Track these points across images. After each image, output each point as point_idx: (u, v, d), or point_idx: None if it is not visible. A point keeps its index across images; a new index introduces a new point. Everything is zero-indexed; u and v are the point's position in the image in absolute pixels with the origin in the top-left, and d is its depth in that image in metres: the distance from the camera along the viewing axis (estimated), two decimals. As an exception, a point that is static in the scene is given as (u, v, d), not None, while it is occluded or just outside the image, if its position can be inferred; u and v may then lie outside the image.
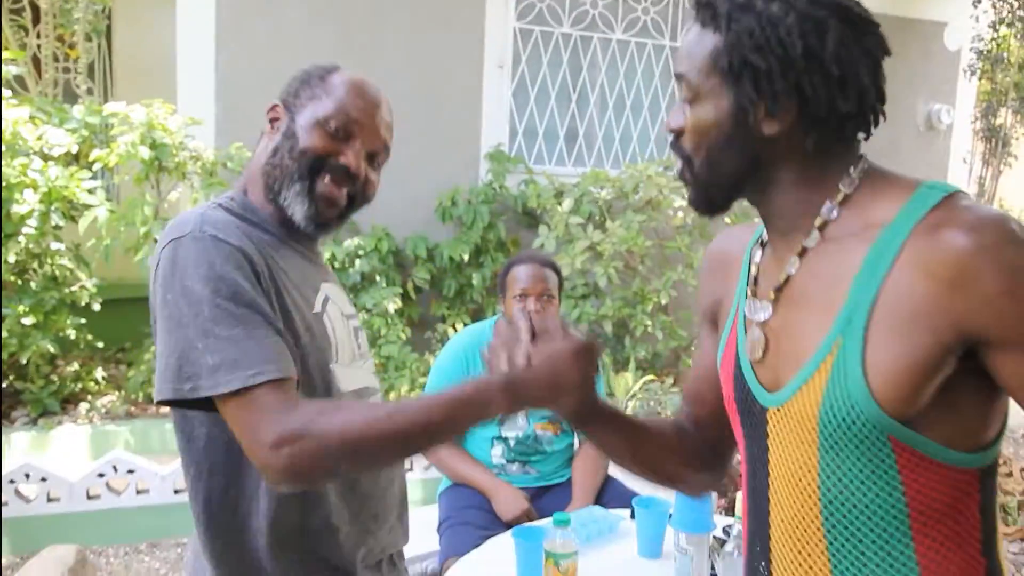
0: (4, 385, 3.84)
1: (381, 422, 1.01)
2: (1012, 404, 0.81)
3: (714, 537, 1.69)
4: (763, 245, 0.94)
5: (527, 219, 4.81)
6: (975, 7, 5.96)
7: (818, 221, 0.85)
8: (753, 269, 0.94)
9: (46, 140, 3.63)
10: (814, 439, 0.82)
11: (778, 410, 0.86)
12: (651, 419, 1.13)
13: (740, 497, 1.00)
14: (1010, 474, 4.00)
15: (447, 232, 4.68)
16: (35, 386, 3.83)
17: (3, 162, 3.45)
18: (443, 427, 1.02)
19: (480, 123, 4.93)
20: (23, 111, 3.61)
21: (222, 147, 4.02)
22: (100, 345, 4.15)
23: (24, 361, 3.73)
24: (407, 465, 3.13)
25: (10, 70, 3.99)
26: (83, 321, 3.95)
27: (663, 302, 4.42)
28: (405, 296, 4.43)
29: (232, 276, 1.07)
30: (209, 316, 1.04)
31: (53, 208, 3.60)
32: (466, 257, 4.48)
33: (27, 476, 3.20)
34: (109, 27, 5.53)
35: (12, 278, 3.73)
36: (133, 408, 3.96)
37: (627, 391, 4.04)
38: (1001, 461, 4.26)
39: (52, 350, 3.76)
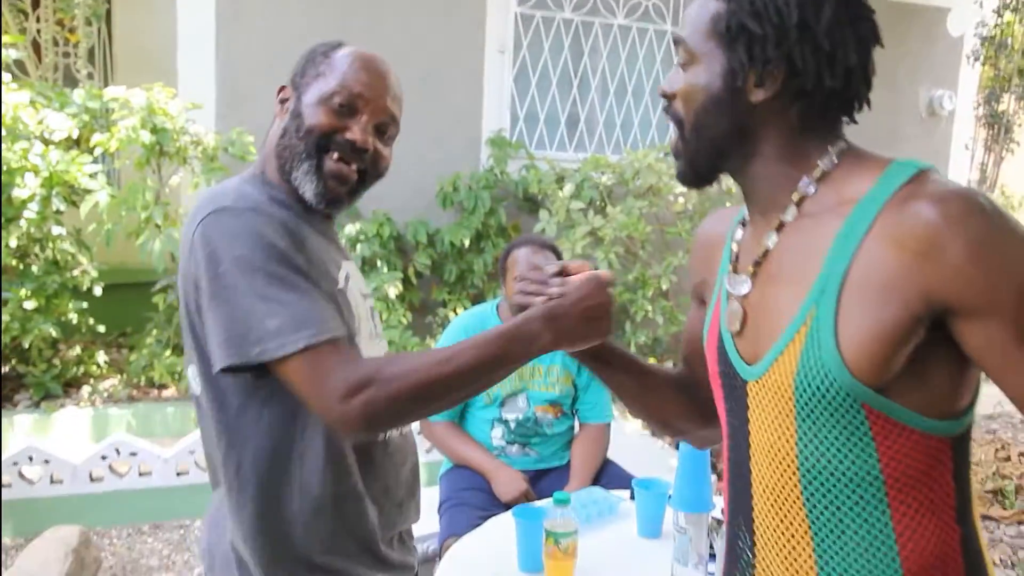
0: (7, 369, 3.86)
1: (441, 365, 1.06)
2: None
3: (712, 517, 1.71)
4: (744, 224, 0.97)
5: (528, 204, 4.81)
6: (980, -7, 5.94)
7: (796, 196, 0.88)
8: (734, 247, 0.97)
9: (47, 124, 3.63)
10: (791, 409, 0.85)
11: (757, 382, 0.88)
12: (660, 368, 1.17)
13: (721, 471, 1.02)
14: (1008, 458, 4.01)
15: (448, 217, 4.69)
16: (37, 370, 3.86)
17: (4, 146, 3.45)
18: (496, 363, 1.08)
19: (481, 108, 4.92)
20: (23, 95, 3.61)
21: (222, 131, 4.02)
22: (101, 329, 4.17)
23: (26, 345, 3.75)
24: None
25: (10, 54, 3.97)
26: (85, 305, 3.97)
27: (664, 287, 4.42)
28: (406, 281, 4.44)
29: (280, 243, 1.10)
30: (265, 282, 1.07)
31: (54, 192, 3.60)
32: (467, 242, 4.49)
33: (30, 459, 3.22)
34: (109, 11, 5.51)
35: (14, 262, 3.75)
36: (135, 392, 3.99)
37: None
38: (1000, 445, 4.28)
39: (54, 334, 3.78)
